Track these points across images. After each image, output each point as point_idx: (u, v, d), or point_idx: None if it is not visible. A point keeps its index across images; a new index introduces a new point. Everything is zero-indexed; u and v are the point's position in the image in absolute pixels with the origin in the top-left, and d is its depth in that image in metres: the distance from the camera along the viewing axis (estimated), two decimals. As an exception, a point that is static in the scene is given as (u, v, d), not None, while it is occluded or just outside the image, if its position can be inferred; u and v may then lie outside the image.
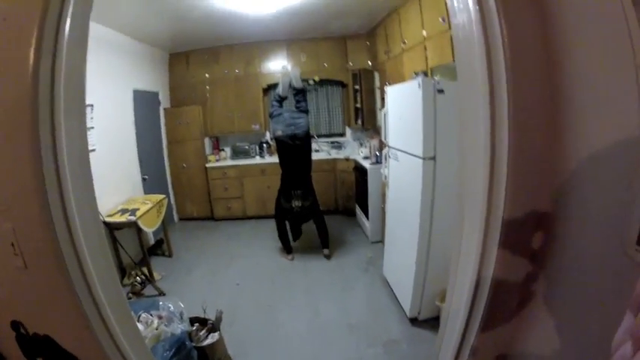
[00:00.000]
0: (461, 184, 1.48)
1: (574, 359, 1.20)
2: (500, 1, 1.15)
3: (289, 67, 6.36)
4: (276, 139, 5.56)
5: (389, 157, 4.50)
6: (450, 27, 3.86)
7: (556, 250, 1.22)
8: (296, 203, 5.53)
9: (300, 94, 5.87)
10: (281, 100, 5.87)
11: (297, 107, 5.84)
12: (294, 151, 5.47)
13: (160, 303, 3.27)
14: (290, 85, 5.85)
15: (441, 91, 3.43)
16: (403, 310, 4.12)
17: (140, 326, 2.87)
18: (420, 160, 3.53)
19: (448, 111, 3.42)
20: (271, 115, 5.81)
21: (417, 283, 3.81)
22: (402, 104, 4.10)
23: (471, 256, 1.36)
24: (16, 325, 1.47)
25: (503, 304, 1.36)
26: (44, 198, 1.30)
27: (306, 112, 5.81)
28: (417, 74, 4.29)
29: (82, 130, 1.46)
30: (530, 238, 1.28)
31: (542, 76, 1.17)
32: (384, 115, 4.54)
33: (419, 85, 3.46)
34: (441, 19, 4.09)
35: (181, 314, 3.23)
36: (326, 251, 5.92)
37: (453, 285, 1.55)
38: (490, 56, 1.20)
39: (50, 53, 1.29)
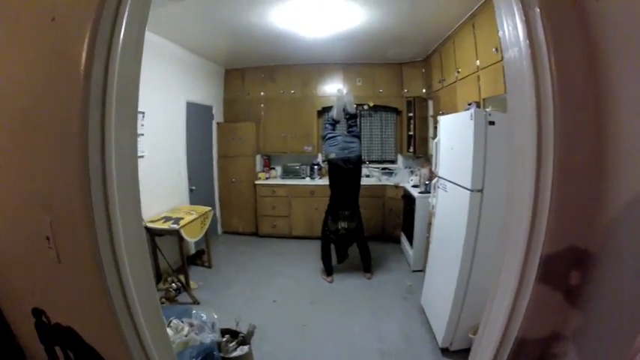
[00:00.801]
0: (506, 217, 1.46)
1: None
2: (550, 36, 1.15)
3: (344, 91, 6.42)
4: (330, 161, 5.63)
5: (438, 186, 4.45)
6: (502, 58, 3.87)
7: (592, 289, 1.19)
8: (342, 224, 5.62)
9: (352, 118, 5.96)
10: (334, 123, 5.96)
11: (349, 131, 5.91)
12: (346, 174, 5.55)
13: (193, 311, 3.30)
14: (343, 110, 5.90)
15: (492, 123, 3.39)
16: (436, 340, 4.05)
17: (169, 331, 2.91)
18: (468, 192, 3.48)
19: (498, 143, 3.37)
20: (324, 138, 5.87)
21: (453, 313, 3.74)
22: (453, 134, 4.07)
23: (508, 288, 1.35)
24: (37, 313, 1.51)
25: (534, 340, 1.33)
26: (87, 197, 1.33)
27: (359, 136, 5.86)
28: (470, 105, 4.27)
29: (132, 134, 1.49)
30: (567, 275, 1.25)
31: (590, 112, 1.16)
32: (436, 144, 4.51)
33: (471, 116, 3.44)
34: (494, 50, 4.08)
35: (213, 325, 3.24)
36: (368, 275, 5.92)
37: (487, 317, 1.53)
38: (539, 91, 1.20)
39: (103, 57, 1.32)
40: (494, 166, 3.40)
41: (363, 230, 5.90)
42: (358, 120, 5.95)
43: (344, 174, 5.55)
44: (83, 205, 1.34)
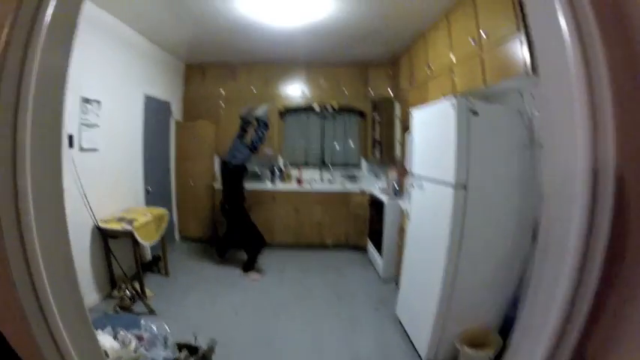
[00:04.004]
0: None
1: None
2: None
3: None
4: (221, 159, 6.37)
5: (412, 186, 4.17)
6: (482, 49, 3.69)
7: None
8: (227, 218, 6.29)
9: (257, 125, 6.11)
10: (243, 126, 6.23)
11: (247, 140, 6.18)
12: (223, 175, 6.16)
13: (142, 322, 2.89)
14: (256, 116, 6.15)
15: (475, 113, 3.17)
16: (416, 352, 3.76)
17: (116, 345, 2.51)
18: (451, 190, 3.21)
19: (482, 135, 3.18)
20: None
21: (437, 322, 3.43)
22: (431, 127, 3.83)
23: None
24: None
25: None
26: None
27: (251, 147, 6.03)
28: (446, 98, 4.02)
29: (54, 137, 1.36)
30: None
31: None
32: (410, 140, 4.22)
33: (452, 105, 3.19)
34: (471, 40, 3.88)
35: (166, 339, 2.84)
36: (242, 273, 6.05)
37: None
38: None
39: (21, 44, 1.15)
40: (479, 160, 3.20)
41: (250, 234, 6.20)
42: (266, 131, 6.10)
43: (223, 174, 6.17)
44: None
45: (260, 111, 6.03)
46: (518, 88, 3.65)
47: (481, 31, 3.70)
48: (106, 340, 2.49)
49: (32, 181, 1.17)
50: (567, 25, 1.00)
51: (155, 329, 2.84)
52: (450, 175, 3.23)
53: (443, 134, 3.40)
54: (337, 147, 8.27)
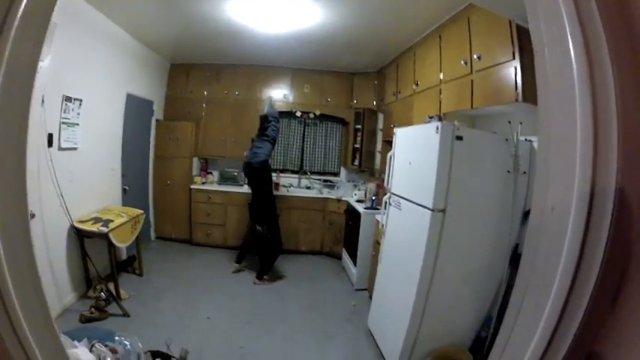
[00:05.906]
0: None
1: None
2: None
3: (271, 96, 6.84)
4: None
5: (389, 204, 4.20)
6: (471, 71, 3.70)
7: None
8: (257, 226, 5.96)
9: (267, 121, 6.15)
10: (261, 124, 6.26)
11: (263, 134, 6.14)
12: (249, 178, 6.16)
13: (116, 337, 2.87)
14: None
15: (459, 138, 3.18)
16: (387, 364, 3.76)
17: (91, 358, 2.49)
18: (429, 212, 3.23)
19: (465, 160, 3.20)
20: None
21: (408, 340, 3.45)
22: (413, 149, 3.83)
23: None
24: None
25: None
26: None
27: (270, 140, 6.08)
28: (431, 118, 4.04)
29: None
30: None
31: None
32: (390, 158, 4.24)
33: (437, 129, 3.19)
34: (463, 63, 3.91)
35: (139, 356, 2.82)
36: (257, 281, 5.94)
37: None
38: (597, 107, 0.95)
39: None
40: (459, 184, 3.21)
41: (273, 238, 6.03)
42: (277, 123, 6.22)
43: (249, 178, 6.19)
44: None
45: (268, 107, 6.27)
46: (507, 114, 3.70)
47: (474, 54, 3.72)
48: (82, 353, 2.47)
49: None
50: (575, 47, 0.97)
51: (129, 345, 2.82)
52: (428, 199, 3.24)
53: (425, 158, 3.42)
54: (317, 154, 8.25)
